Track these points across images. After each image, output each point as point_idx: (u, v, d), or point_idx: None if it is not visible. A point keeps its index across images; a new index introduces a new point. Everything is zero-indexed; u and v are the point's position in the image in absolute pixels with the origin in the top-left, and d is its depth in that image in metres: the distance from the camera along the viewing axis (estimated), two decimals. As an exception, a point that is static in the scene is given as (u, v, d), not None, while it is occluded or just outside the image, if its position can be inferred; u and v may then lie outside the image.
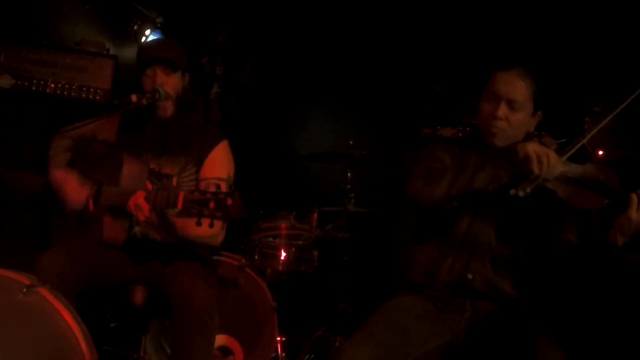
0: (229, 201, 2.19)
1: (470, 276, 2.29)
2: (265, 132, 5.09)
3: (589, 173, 2.21)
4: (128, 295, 2.84)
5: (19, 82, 3.96)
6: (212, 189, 2.26)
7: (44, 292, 2.21)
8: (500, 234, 2.32)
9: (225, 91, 4.93)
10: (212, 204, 2.20)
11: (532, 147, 2.14)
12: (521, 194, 2.09)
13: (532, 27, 4.36)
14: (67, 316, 2.18)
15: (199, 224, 2.25)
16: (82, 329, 2.18)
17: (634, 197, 2.06)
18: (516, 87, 2.31)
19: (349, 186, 4.00)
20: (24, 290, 2.18)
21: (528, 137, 2.40)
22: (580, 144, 2.24)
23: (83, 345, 2.15)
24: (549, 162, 2.11)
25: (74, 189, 2.86)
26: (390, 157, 4.27)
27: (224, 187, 2.47)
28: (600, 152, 3.79)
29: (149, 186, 2.45)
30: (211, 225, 2.25)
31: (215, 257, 3.17)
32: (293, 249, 3.78)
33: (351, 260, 4.02)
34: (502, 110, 2.31)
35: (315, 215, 3.92)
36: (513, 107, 2.31)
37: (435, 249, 2.37)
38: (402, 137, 4.57)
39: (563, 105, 4.01)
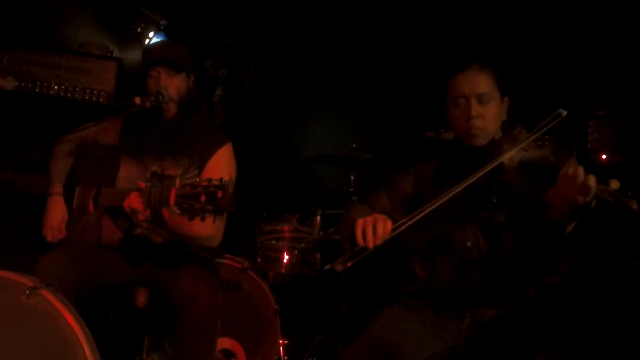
0: (220, 194, 2.18)
1: (464, 283, 2.29)
2: (269, 134, 5.10)
3: (539, 156, 2.15)
4: (131, 297, 2.84)
5: (23, 84, 3.96)
6: (205, 183, 2.25)
7: (46, 294, 2.21)
8: (486, 235, 2.31)
9: (228, 94, 4.94)
10: (203, 198, 2.20)
11: (362, 220, 2.07)
12: (339, 268, 2.06)
13: (532, 30, 4.36)
14: (70, 318, 2.17)
15: (191, 218, 2.25)
16: (84, 331, 2.17)
17: (565, 170, 1.97)
18: (479, 80, 2.32)
19: (352, 189, 4.00)
20: (27, 292, 2.18)
21: (505, 131, 2.39)
22: (531, 139, 2.18)
23: (85, 347, 2.14)
24: (375, 232, 2.03)
25: (54, 224, 2.90)
26: (393, 160, 4.27)
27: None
28: (604, 156, 3.79)
29: (142, 185, 2.44)
30: (203, 219, 2.24)
31: (217, 260, 3.17)
32: (296, 251, 3.78)
33: (353, 264, 4.01)
34: (475, 108, 2.30)
35: (318, 218, 3.92)
36: (483, 100, 2.31)
37: (427, 259, 2.38)
38: (405, 140, 4.57)
39: (566, 109, 4.00)
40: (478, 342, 2.23)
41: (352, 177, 4.01)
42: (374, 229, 2.03)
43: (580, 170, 1.91)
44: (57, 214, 2.93)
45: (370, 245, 2.02)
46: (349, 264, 2.05)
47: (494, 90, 2.34)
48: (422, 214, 2.10)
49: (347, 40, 4.98)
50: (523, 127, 2.32)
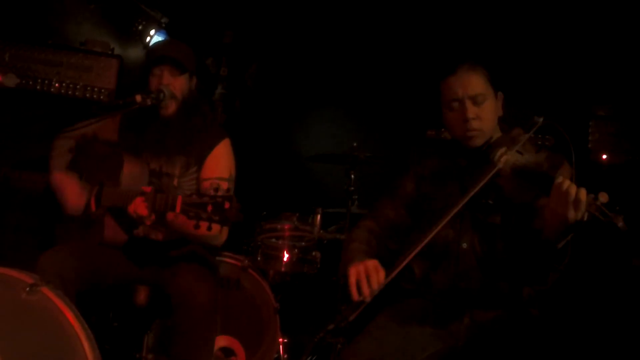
0: (227, 205, 2.18)
1: (462, 284, 2.28)
2: (269, 133, 5.10)
3: (534, 162, 2.13)
4: (131, 295, 2.84)
5: (24, 81, 3.97)
6: (212, 192, 2.26)
7: (46, 291, 2.21)
8: (481, 237, 2.30)
9: (229, 92, 4.94)
10: (210, 207, 2.20)
11: (354, 271, 2.08)
12: (343, 324, 2.06)
13: (535, 30, 4.36)
14: (70, 315, 2.18)
15: (197, 227, 2.25)
16: (84, 329, 2.18)
17: (557, 185, 1.94)
18: (471, 81, 2.29)
19: (352, 188, 4.00)
20: (27, 289, 2.19)
21: (502, 128, 2.38)
22: (523, 141, 2.17)
23: (85, 344, 2.15)
24: (370, 284, 2.04)
25: (74, 193, 2.87)
26: (394, 159, 4.27)
27: (226, 187, 2.46)
28: (605, 157, 3.79)
29: (147, 189, 2.44)
30: (209, 229, 2.24)
31: (217, 258, 3.18)
32: (296, 250, 3.78)
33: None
34: (471, 109, 2.28)
35: (319, 216, 3.92)
36: (477, 101, 2.28)
37: (425, 260, 2.36)
38: (406, 139, 4.57)
39: (567, 109, 4.01)
40: (477, 342, 2.23)
41: (352, 176, 4.00)
42: (368, 280, 2.04)
43: (572, 187, 1.89)
44: (67, 184, 2.89)
45: (368, 299, 2.04)
46: (351, 319, 2.05)
47: (488, 89, 2.31)
48: (415, 251, 2.08)
49: (348, 39, 4.97)
50: (521, 129, 2.30)
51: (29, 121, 3.94)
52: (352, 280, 2.06)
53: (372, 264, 2.10)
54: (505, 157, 2.13)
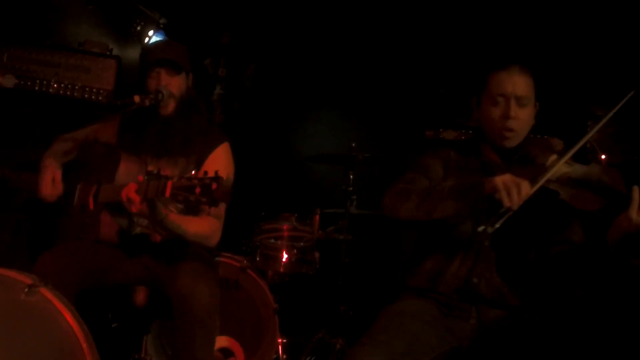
0: (214, 186, 2.19)
1: (475, 280, 2.27)
2: (268, 133, 5.10)
3: (592, 174, 2.20)
4: (130, 295, 2.83)
5: (22, 82, 3.97)
6: (200, 174, 2.26)
7: (45, 292, 2.21)
8: (505, 236, 2.28)
9: (227, 93, 4.93)
10: (198, 190, 2.20)
11: (501, 179, 2.09)
12: (489, 230, 2.09)
13: (534, 30, 4.36)
14: (69, 316, 2.17)
15: (186, 211, 2.25)
16: (83, 329, 2.17)
17: (636, 195, 2.03)
18: (520, 83, 2.32)
19: (351, 188, 4.00)
20: (26, 290, 2.18)
21: (533, 140, 2.41)
22: (581, 144, 2.23)
23: (84, 345, 2.14)
24: (519, 193, 2.06)
25: (48, 181, 2.84)
26: (392, 160, 4.28)
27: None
28: (603, 156, 3.79)
29: (140, 178, 2.44)
30: (197, 211, 2.24)
31: (216, 259, 3.18)
32: (295, 250, 3.78)
33: (352, 263, 4.02)
34: (514, 109, 2.30)
35: (317, 217, 3.93)
36: (522, 103, 2.31)
37: (440, 253, 2.35)
38: (404, 140, 4.57)
39: (566, 109, 4.01)
40: (481, 343, 2.22)
41: (351, 176, 4.00)
42: (518, 189, 2.06)
43: None
44: (48, 171, 2.86)
45: (516, 207, 2.06)
46: (497, 226, 2.10)
47: (532, 95, 2.35)
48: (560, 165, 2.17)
49: (346, 39, 4.98)
50: (560, 139, 2.34)
51: (27, 122, 3.94)
52: (501, 187, 2.07)
53: (514, 177, 2.11)
54: (558, 166, 2.19)
